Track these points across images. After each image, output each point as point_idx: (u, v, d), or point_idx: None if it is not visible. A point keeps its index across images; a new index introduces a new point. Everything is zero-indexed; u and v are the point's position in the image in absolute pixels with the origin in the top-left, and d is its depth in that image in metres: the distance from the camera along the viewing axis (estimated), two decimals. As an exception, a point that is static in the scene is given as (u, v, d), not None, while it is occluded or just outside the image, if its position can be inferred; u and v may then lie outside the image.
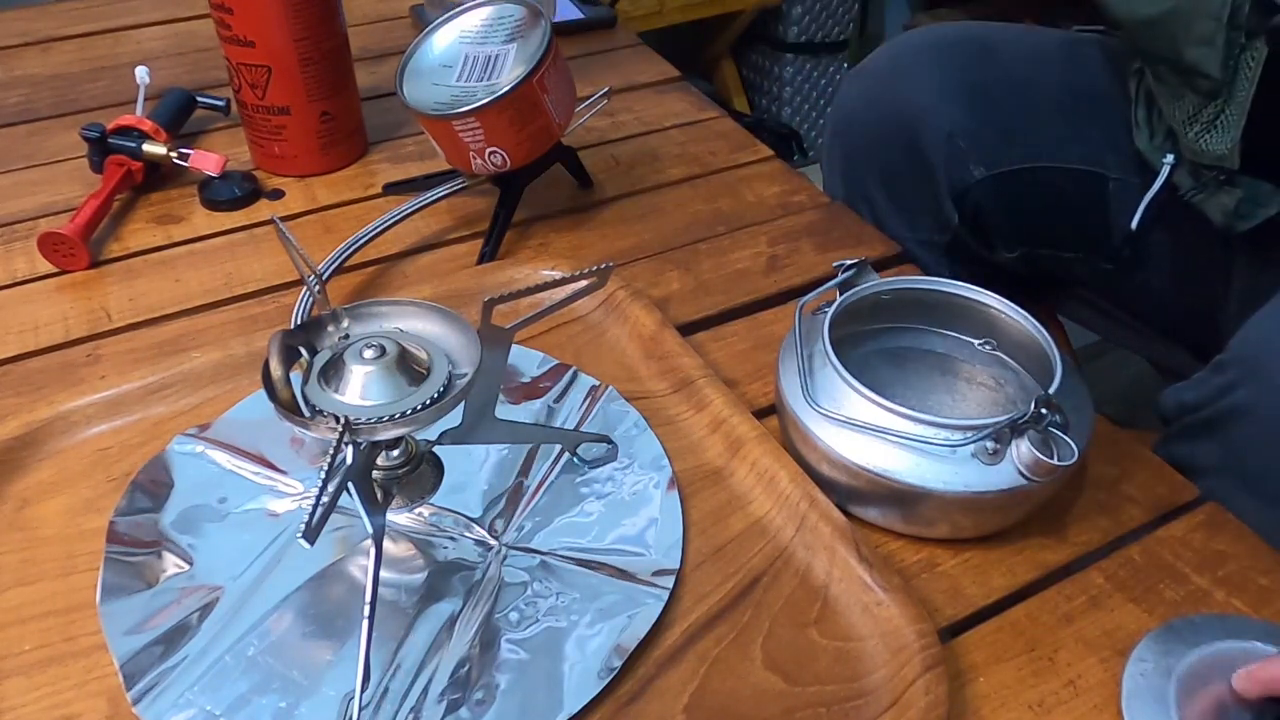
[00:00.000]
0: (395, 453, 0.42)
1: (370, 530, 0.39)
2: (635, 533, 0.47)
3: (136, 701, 0.39)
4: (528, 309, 0.42)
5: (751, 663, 0.42)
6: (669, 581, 0.44)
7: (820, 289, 0.52)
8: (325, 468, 0.35)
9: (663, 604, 0.43)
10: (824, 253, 0.67)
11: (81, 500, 0.48)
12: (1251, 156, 0.63)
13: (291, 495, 0.48)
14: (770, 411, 0.54)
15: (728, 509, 0.49)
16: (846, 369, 0.46)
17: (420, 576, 0.44)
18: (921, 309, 0.52)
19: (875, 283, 0.51)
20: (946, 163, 0.76)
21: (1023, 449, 0.44)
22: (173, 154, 0.71)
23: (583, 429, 0.52)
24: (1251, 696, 0.39)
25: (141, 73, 0.77)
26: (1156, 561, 0.47)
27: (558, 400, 0.54)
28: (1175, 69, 0.64)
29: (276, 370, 0.38)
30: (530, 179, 0.68)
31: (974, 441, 0.44)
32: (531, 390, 0.54)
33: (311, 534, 0.34)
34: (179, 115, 0.78)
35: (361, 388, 0.38)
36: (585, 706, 0.40)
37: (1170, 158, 0.69)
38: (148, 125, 0.71)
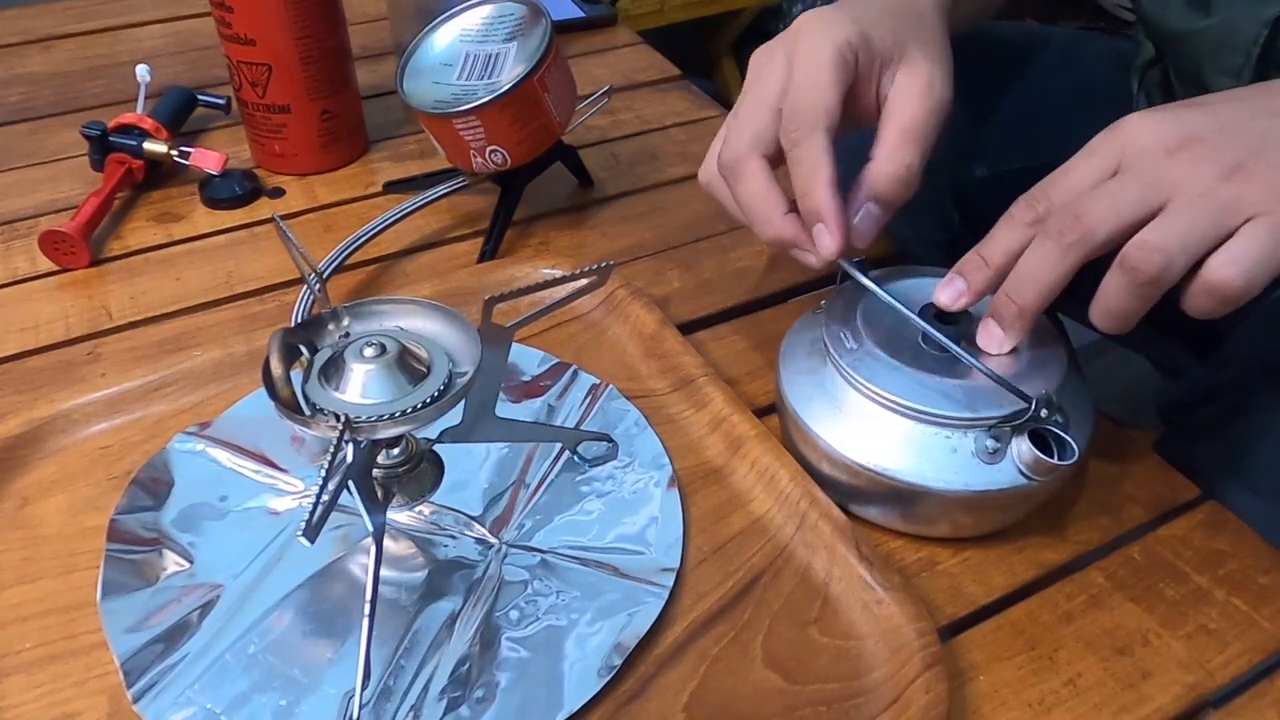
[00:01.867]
0: (395, 451, 0.43)
1: (370, 528, 0.39)
2: (635, 531, 0.47)
3: (137, 699, 0.39)
4: (528, 307, 0.42)
5: (752, 661, 0.42)
6: (669, 580, 0.44)
7: (833, 287, 0.52)
8: (325, 466, 0.35)
9: (663, 602, 0.43)
10: (824, 251, 0.67)
11: (82, 498, 0.48)
12: None
13: (292, 493, 0.48)
14: (770, 410, 0.54)
15: (728, 507, 0.49)
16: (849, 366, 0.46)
17: (420, 575, 0.45)
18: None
19: (876, 272, 0.51)
20: (947, 163, 0.76)
21: (1023, 448, 0.44)
22: (173, 152, 0.71)
23: (583, 427, 0.52)
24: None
25: (142, 71, 0.77)
26: (1157, 560, 0.47)
27: (558, 399, 0.54)
28: (1196, 88, 0.64)
29: (277, 368, 0.38)
30: (531, 177, 0.68)
31: (974, 440, 0.44)
32: (532, 389, 0.54)
33: (312, 532, 0.34)
34: (179, 113, 0.78)
35: (362, 386, 0.38)
36: (585, 704, 0.40)
37: None
38: (148, 123, 0.71)
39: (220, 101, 0.79)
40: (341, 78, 0.73)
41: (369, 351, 0.39)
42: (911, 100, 0.47)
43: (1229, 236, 0.38)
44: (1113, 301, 0.41)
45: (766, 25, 2.17)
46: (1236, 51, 0.57)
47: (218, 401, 0.53)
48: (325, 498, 0.35)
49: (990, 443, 0.44)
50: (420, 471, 0.44)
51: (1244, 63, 0.56)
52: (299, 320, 0.57)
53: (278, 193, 0.73)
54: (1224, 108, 0.41)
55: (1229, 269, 0.38)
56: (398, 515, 0.46)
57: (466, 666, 0.41)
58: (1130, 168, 0.40)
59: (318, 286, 0.49)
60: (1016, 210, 0.42)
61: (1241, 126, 0.40)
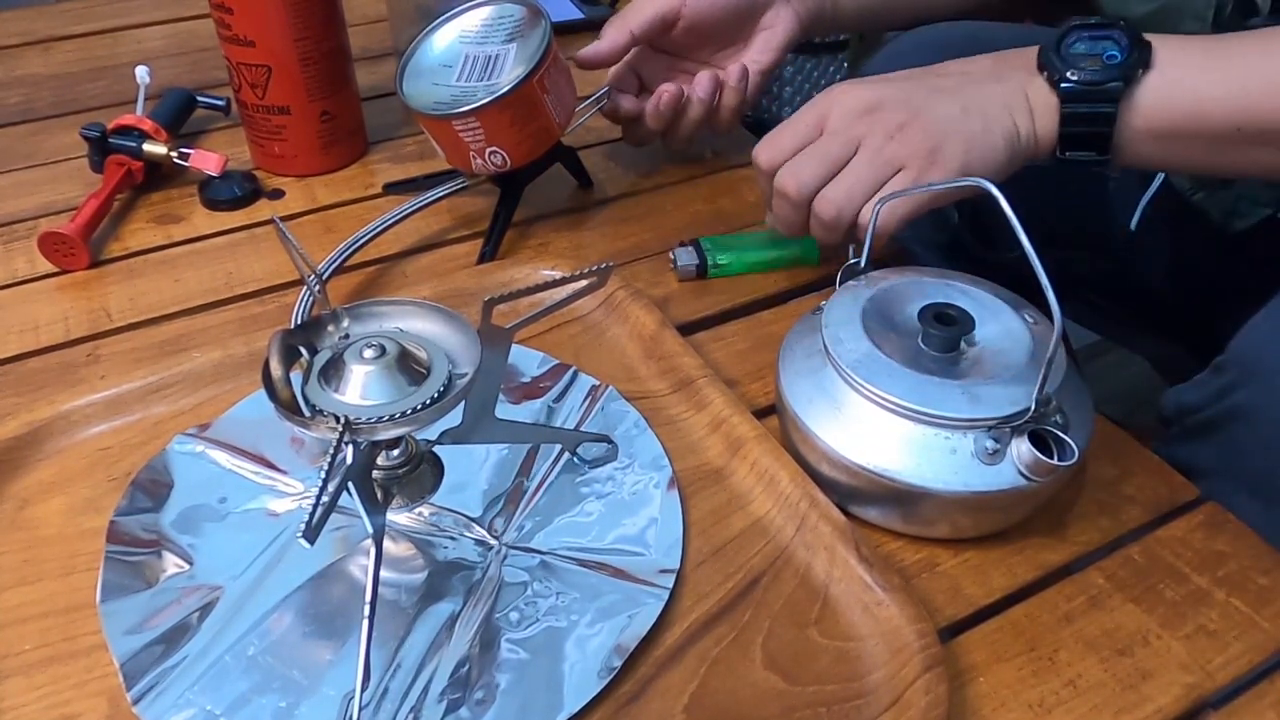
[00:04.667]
0: (395, 452, 0.43)
1: (370, 530, 0.39)
2: (635, 532, 0.47)
3: (137, 701, 0.39)
4: (528, 309, 0.42)
5: (751, 662, 0.42)
6: (669, 581, 0.44)
7: (833, 288, 0.52)
8: (325, 467, 0.35)
9: (663, 604, 0.43)
10: (824, 253, 0.67)
11: (82, 500, 0.48)
12: None
13: (291, 495, 0.48)
14: (770, 411, 0.54)
15: (728, 509, 0.49)
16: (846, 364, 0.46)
17: (420, 576, 0.44)
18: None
19: (877, 274, 0.52)
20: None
21: (1023, 449, 0.44)
22: (173, 154, 0.71)
23: (583, 429, 0.52)
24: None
25: (142, 72, 0.77)
26: (1156, 561, 0.47)
27: (558, 400, 0.54)
28: None
29: (276, 370, 0.38)
30: (530, 179, 0.68)
31: (974, 441, 0.44)
32: (531, 390, 0.54)
33: (312, 534, 0.34)
34: (179, 115, 0.78)
35: (361, 387, 0.38)
36: (585, 706, 0.40)
37: None
38: (148, 125, 0.72)
39: (220, 103, 0.79)
40: (341, 79, 0.73)
41: (369, 353, 0.39)
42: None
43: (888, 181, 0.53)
44: (818, 236, 0.58)
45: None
46: (1195, 19, 0.61)
47: (217, 403, 0.53)
48: (325, 499, 0.35)
49: (990, 444, 0.44)
50: (420, 473, 0.44)
51: (1201, 28, 0.61)
52: (299, 322, 0.57)
53: (277, 194, 0.73)
54: (903, 82, 0.56)
55: (880, 218, 0.53)
56: (397, 517, 0.46)
57: (466, 668, 0.41)
58: (832, 129, 0.55)
59: (317, 288, 0.49)
60: (757, 159, 0.58)
61: (910, 96, 0.54)
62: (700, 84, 0.69)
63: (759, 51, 0.71)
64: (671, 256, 0.65)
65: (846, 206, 0.54)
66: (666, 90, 0.69)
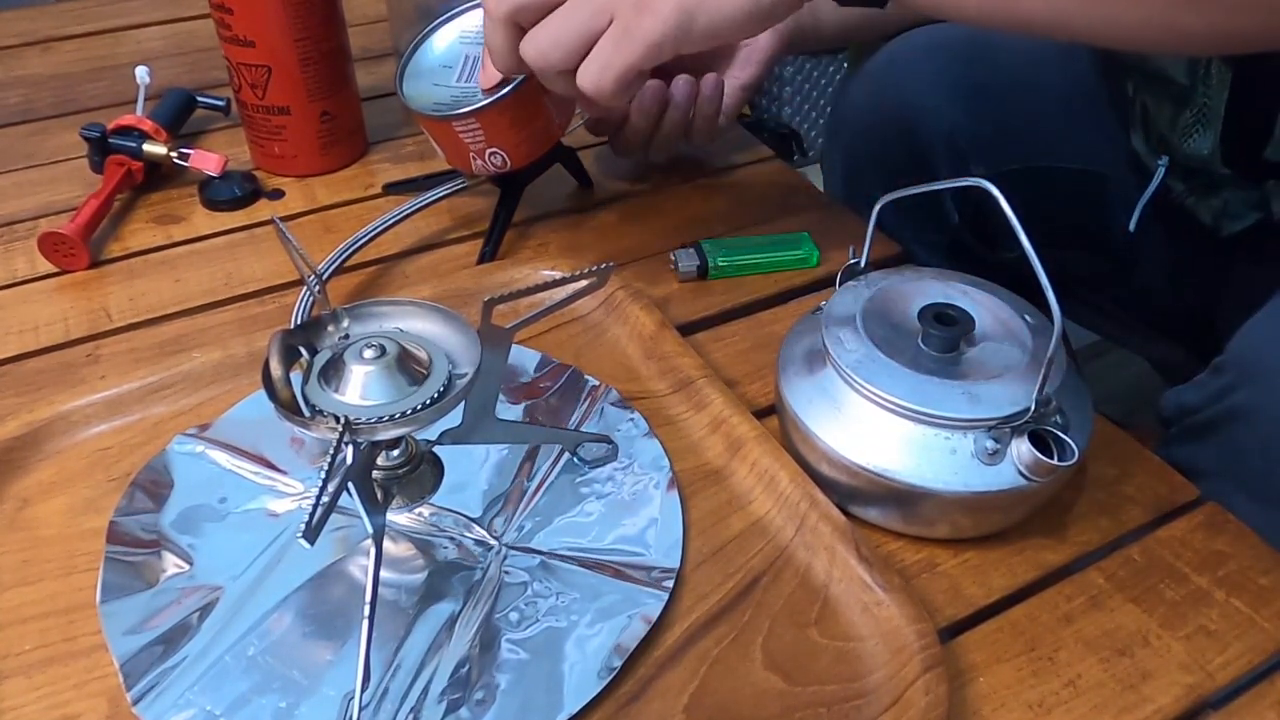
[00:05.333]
0: (395, 452, 0.43)
1: (370, 530, 0.39)
2: (635, 533, 0.47)
3: (137, 701, 0.39)
4: (528, 309, 0.42)
5: (751, 663, 0.42)
6: (669, 581, 0.44)
7: (833, 288, 0.52)
8: (325, 468, 0.35)
9: (663, 604, 0.43)
10: (824, 253, 0.67)
11: (82, 500, 0.48)
12: (1237, 161, 0.63)
13: (291, 495, 0.48)
14: (770, 411, 0.54)
15: (728, 509, 0.49)
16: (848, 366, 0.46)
17: (420, 576, 0.44)
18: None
19: (877, 274, 0.52)
20: (946, 163, 0.76)
21: (1023, 449, 0.44)
22: (173, 154, 0.71)
23: (583, 429, 0.52)
24: None
25: (142, 73, 0.77)
26: (1156, 561, 0.47)
27: (557, 400, 0.54)
28: (1146, 75, 0.65)
29: (276, 370, 0.38)
30: (530, 179, 0.68)
31: (974, 441, 0.44)
32: (531, 390, 0.54)
33: (312, 534, 0.34)
34: (179, 115, 0.78)
35: (361, 387, 0.38)
36: (585, 706, 0.40)
37: (1164, 159, 0.69)
38: (148, 125, 0.71)
39: (220, 103, 0.79)
40: (341, 79, 0.73)
41: (369, 353, 0.39)
42: None
43: (601, 35, 0.47)
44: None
45: (766, 26, 2.17)
46: None
47: (217, 403, 0.53)
48: (325, 499, 0.35)
49: (990, 444, 0.44)
50: (420, 473, 0.44)
51: None
52: (299, 322, 0.57)
53: (277, 194, 0.73)
54: None
55: (582, 78, 0.48)
56: (397, 517, 0.46)
57: (466, 668, 0.41)
58: None
59: (317, 288, 0.49)
60: None
61: None
62: (678, 88, 0.68)
63: (740, 67, 0.71)
64: (672, 259, 0.65)
65: (551, 53, 0.49)
66: (650, 85, 0.68)
